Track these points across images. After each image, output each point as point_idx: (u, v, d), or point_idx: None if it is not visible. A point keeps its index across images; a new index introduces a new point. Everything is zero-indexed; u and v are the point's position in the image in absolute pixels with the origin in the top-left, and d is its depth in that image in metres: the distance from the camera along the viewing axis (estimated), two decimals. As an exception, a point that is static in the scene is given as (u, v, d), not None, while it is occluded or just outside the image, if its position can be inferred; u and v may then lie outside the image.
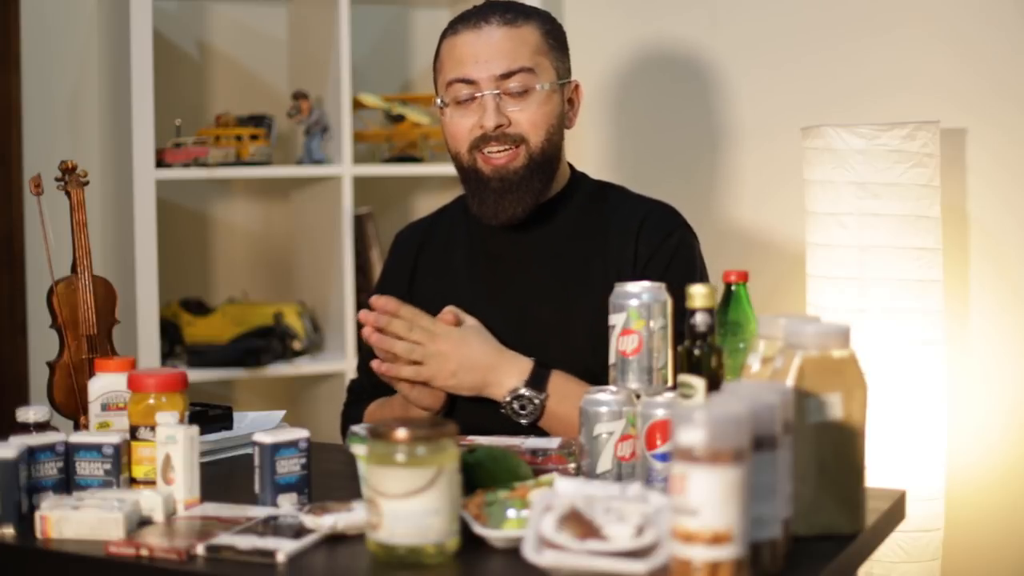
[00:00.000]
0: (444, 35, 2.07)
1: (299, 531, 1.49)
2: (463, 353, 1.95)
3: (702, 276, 2.07)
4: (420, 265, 2.17)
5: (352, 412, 2.20)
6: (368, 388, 2.20)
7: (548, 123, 2.02)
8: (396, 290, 2.17)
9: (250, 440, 1.65)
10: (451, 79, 2.02)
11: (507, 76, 2.00)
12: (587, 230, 2.09)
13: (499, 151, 2.01)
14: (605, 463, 1.61)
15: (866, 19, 2.87)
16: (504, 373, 1.95)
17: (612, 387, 1.65)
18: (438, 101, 2.06)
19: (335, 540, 1.49)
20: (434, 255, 2.17)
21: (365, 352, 2.25)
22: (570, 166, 2.16)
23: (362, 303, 3.14)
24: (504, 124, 2.00)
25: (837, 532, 1.47)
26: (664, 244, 2.04)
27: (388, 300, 1.95)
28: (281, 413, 2.10)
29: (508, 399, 1.94)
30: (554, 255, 2.08)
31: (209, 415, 2.00)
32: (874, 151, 2.48)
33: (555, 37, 2.07)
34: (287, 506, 1.60)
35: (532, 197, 2.03)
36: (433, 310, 2.07)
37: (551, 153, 2.04)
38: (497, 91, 1.99)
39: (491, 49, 2.00)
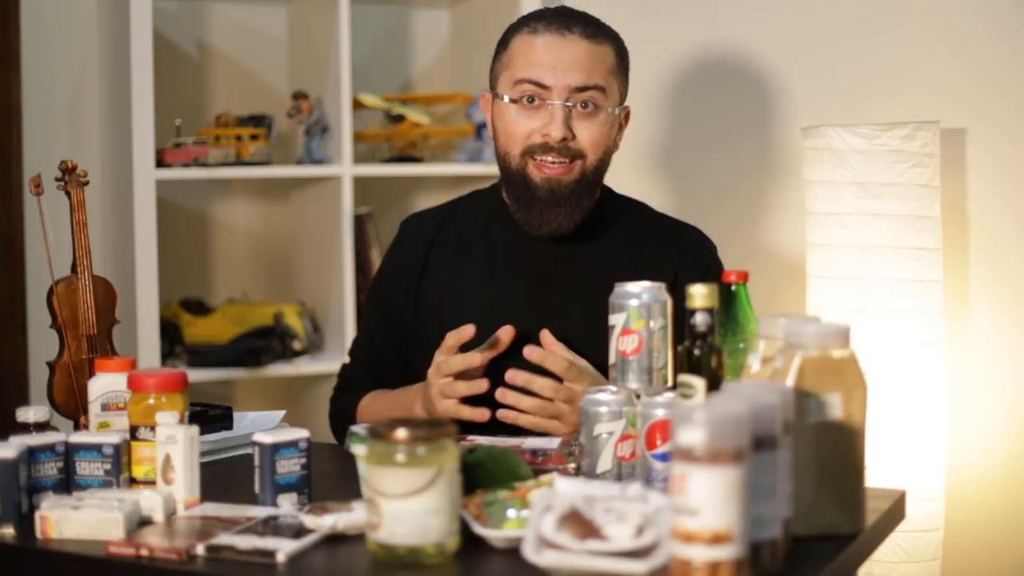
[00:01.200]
0: (517, 30, 2.04)
1: (299, 531, 1.49)
2: None
3: None
4: (432, 259, 2.14)
5: (343, 400, 2.18)
6: (363, 376, 2.18)
7: (606, 144, 2.03)
8: (402, 279, 2.14)
9: (250, 440, 1.65)
10: (522, 78, 1.99)
11: (581, 90, 1.98)
12: (619, 248, 2.09)
13: (556, 162, 1.99)
14: (605, 463, 1.62)
15: (866, 19, 2.87)
16: None
17: (612, 387, 1.65)
18: (505, 97, 2.02)
19: (335, 540, 1.49)
20: (448, 251, 2.14)
21: (362, 338, 2.23)
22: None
23: (362, 303, 3.15)
24: (569, 138, 1.98)
25: (837, 532, 1.47)
26: (705, 277, 2.03)
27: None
28: (281, 413, 2.10)
29: None
30: (585, 267, 2.07)
31: (209, 415, 2.00)
32: (874, 151, 2.48)
33: (624, 60, 2.07)
34: (287, 506, 1.60)
35: (580, 213, 2.03)
36: (445, 306, 2.08)
37: (601, 173, 2.05)
38: (569, 103, 1.98)
39: (571, 59, 1.98)
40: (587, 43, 1.99)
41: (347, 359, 2.27)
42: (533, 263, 2.08)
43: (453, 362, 1.92)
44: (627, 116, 2.11)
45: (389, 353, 2.15)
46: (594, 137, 2.00)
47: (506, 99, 2.01)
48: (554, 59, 1.98)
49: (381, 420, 2.01)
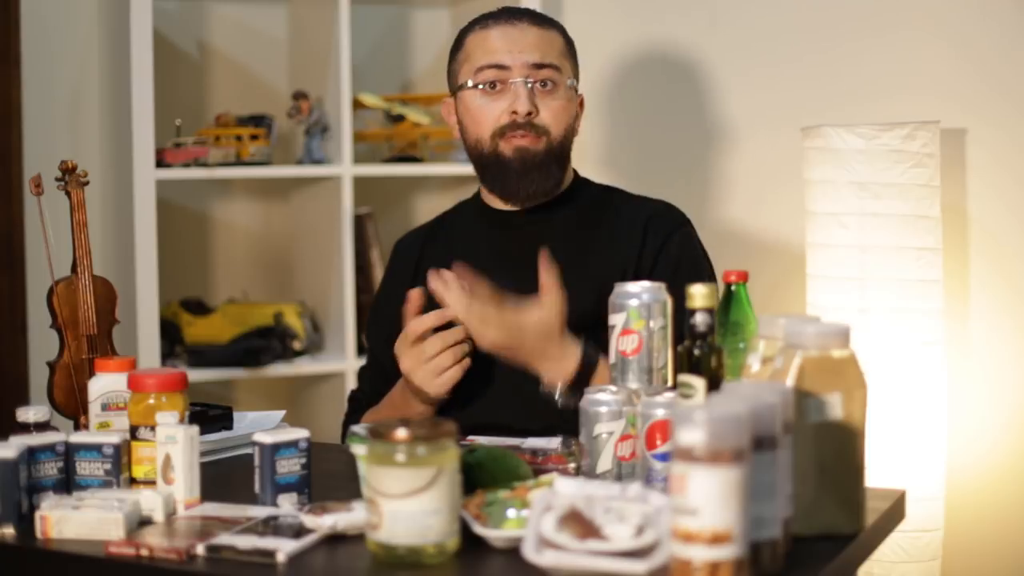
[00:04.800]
0: (470, 30, 2.14)
1: (299, 531, 1.49)
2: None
3: (708, 268, 2.13)
4: (424, 263, 2.19)
5: (351, 424, 2.20)
6: (371, 395, 2.20)
7: (568, 119, 2.11)
8: (398, 296, 2.18)
9: (250, 440, 1.65)
10: (482, 64, 2.08)
11: (539, 67, 2.08)
12: (591, 226, 2.14)
13: (524, 135, 2.07)
14: (605, 463, 1.62)
15: (866, 19, 2.87)
16: (557, 359, 1.95)
17: (612, 387, 1.65)
18: (470, 83, 2.09)
19: (335, 540, 1.49)
20: (438, 253, 2.20)
21: (369, 361, 2.26)
22: (573, 170, 2.22)
23: (362, 303, 3.15)
24: (533, 113, 2.07)
25: (837, 532, 1.47)
26: (668, 244, 2.10)
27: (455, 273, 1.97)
28: (281, 413, 2.10)
29: (556, 394, 1.95)
30: (559, 248, 2.10)
31: (209, 415, 2.00)
32: (874, 151, 2.48)
33: (571, 46, 2.17)
34: (287, 506, 1.60)
35: (551, 181, 2.11)
36: (437, 305, 2.09)
37: (566, 148, 2.13)
38: (530, 80, 2.06)
39: (525, 41, 2.08)
40: (536, 28, 2.11)
41: (356, 384, 2.31)
42: (513, 248, 2.13)
43: (411, 328, 1.97)
44: (581, 103, 2.19)
45: (396, 372, 2.17)
46: (555, 112, 2.08)
47: (470, 84, 2.09)
48: (509, 43, 2.08)
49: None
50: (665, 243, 2.10)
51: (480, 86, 2.09)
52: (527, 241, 2.12)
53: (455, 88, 2.15)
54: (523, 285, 2.08)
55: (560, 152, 2.10)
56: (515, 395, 2.02)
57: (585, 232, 2.14)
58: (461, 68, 2.13)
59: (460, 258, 2.14)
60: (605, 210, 2.17)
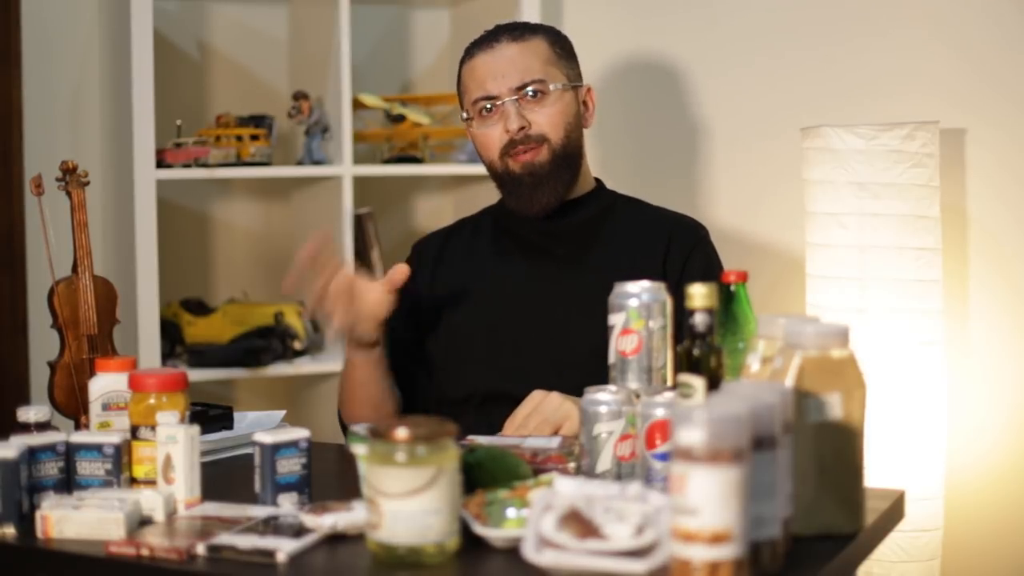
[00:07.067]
0: (462, 62, 2.24)
1: (299, 531, 1.49)
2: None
3: None
4: (443, 261, 2.30)
5: None
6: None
7: (565, 121, 2.19)
8: (420, 277, 2.27)
9: (250, 440, 1.65)
10: (475, 98, 2.19)
11: (522, 87, 2.16)
12: (612, 230, 2.23)
13: (525, 150, 2.16)
14: (605, 463, 1.62)
15: (866, 19, 2.87)
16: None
17: (612, 387, 1.65)
18: (465, 114, 2.22)
19: (335, 540, 1.49)
20: (458, 249, 2.31)
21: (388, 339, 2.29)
22: (596, 180, 2.31)
23: (362, 303, 3.15)
24: (526, 126, 2.16)
25: (837, 532, 1.47)
26: (692, 256, 2.19)
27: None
28: (281, 413, 2.10)
29: None
30: (581, 248, 2.22)
31: (209, 415, 2.00)
32: (874, 151, 2.48)
33: (562, 47, 2.24)
34: (287, 506, 1.60)
35: (562, 188, 2.19)
36: (458, 296, 2.23)
37: (572, 149, 2.21)
38: (516, 98, 2.15)
39: (505, 65, 2.17)
40: (515, 45, 2.18)
41: None
42: (535, 246, 2.23)
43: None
44: (590, 93, 2.27)
45: (414, 346, 2.28)
46: (549, 118, 2.17)
47: (466, 116, 2.22)
48: (491, 71, 2.18)
49: (353, 396, 2.19)
50: (690, 255, 2.18)
51: (476, 116, 2.19)
52: (553, 237, 2.22)
53: (465, 118, 2.25)
54: (546, 278, 2.20)
55: (565, 154, 2.18)
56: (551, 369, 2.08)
57: (609, 232, 2.22)
58: (463, 101, 2.24)
59: (481, 251, 2.28)
60: (626, 217, 2.25)
